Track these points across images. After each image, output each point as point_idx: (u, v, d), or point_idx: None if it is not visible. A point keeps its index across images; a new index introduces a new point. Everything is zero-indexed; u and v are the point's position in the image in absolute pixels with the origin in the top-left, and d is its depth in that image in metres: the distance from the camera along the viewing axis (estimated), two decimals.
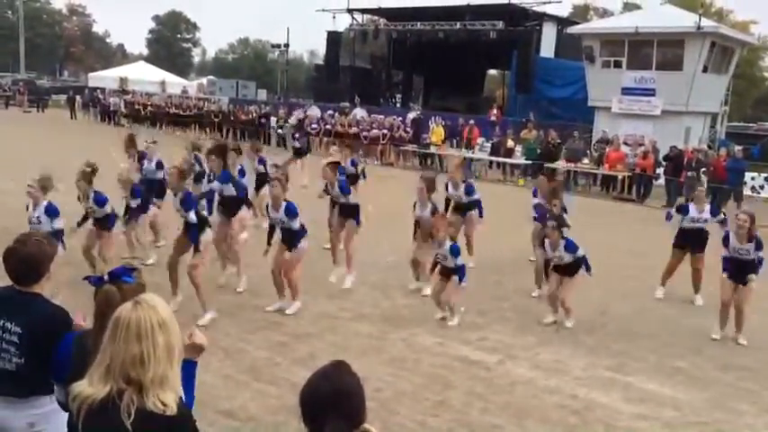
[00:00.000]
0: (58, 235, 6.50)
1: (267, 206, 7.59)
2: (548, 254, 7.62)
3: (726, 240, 7.54)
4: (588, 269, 7.59)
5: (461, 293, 7.47)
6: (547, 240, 7.60)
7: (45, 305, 3.03)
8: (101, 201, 7.71)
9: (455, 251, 7.24)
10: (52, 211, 6.83)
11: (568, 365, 6.51)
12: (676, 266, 8.93)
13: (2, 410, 3.00)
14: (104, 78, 44.78)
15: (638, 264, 10.80)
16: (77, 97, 36.68)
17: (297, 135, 18.88)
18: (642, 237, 13.57)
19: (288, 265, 7.42)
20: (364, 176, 11.44)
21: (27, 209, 6.97)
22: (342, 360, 2.14)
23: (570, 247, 7.48)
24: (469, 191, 9.57)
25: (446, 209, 9.44)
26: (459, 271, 7.24)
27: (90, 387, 2.14)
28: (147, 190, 9.42)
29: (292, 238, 7.35)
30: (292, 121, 26.37)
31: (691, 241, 8.74)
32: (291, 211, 7.29)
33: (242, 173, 9.36)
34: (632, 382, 6.21)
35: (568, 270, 7.55)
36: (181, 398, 2.22)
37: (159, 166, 10.07)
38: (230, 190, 8.37)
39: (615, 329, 7.66)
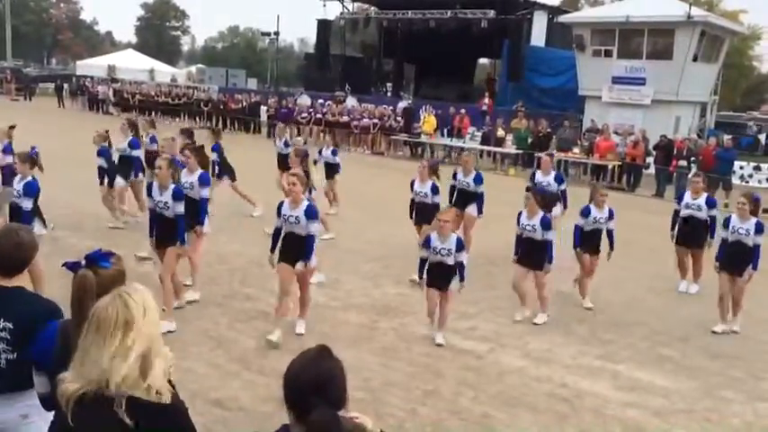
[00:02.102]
0: (25, 216, 6.50)
1: (280, 206, 6.45)
2: (521, 223, 7.27)
3: (727, 222, 7.45)
4: (551, 259, 7.17)
5: (454, 300, 6.83)
6: (524, 210, 7.28)
7: (32, 298, 3.04)
8: None
9: (460, 244, 6.55)
10: (28, 190, 6.69)
11: (558, 354, 6.54)
12: (683, 261, 8.92)
13: None
14: (92, 66, 44.30)
15: (628, 253, 10.81)
16: (65, 85, 36.32)
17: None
18: (632, 226, 13.61)
19: (302, 280, 6.56)
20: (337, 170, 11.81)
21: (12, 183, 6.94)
22: (324, 345, 2.14)
23: (545, 222, 7.13)
24: (478, 180, 9.41)
25: (450, 198, 9.38)
26: (460, 267, 6.54)
27: (76, 380, 2.11)
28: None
29: (304, 246, 6.34)
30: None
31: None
32: (312, 213, 6.34)
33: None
34: (622, 370, 6.25)
35: (535, 256, 7.20)
36: (173, 388, 2.20)
37: (153, 140, 11.13)
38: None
39: (605, 318, 7.70)
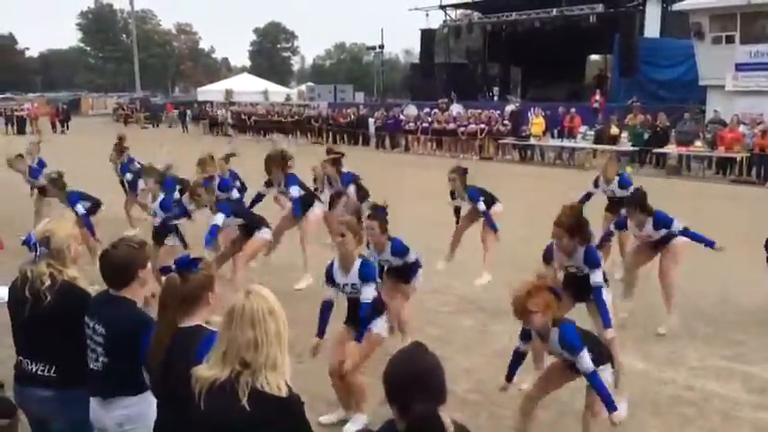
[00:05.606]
0: (167, 227, 7.19)
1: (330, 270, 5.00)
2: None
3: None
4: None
5: (412, 304, 6.15)
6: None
7: (127, 308, 3.10)
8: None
9: (398, 248, 5.61)
10: (162, 207, 7.39)
11: (683, 357, 6.23)
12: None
13: (96, 410, 3.18)
14: (212, 92, 47.15)
15: (760, 251, 10.11)
16: (188, 111, 38.86)
17: None
18: (765, 221, 12.69)
19: (357, 356, 4.77)
20: None
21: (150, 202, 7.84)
22: (419, 341, 2.20)
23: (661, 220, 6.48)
24: (624, 183, 8.18)
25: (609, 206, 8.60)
26: (412, 269, 5.77)
27: (209, 370, 2.31)
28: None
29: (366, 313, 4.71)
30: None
31: None
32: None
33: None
34: (754, 371, 5.87)
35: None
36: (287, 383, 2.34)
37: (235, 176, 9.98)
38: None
39: (734, 319, 7.25)
